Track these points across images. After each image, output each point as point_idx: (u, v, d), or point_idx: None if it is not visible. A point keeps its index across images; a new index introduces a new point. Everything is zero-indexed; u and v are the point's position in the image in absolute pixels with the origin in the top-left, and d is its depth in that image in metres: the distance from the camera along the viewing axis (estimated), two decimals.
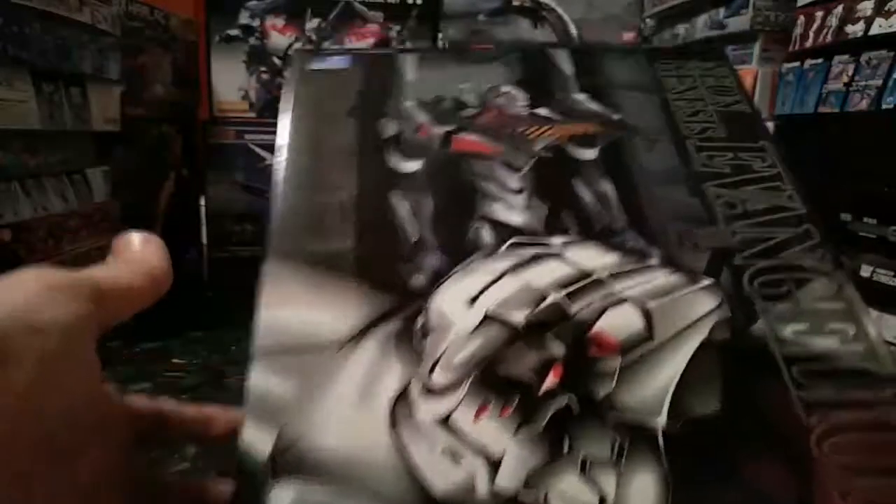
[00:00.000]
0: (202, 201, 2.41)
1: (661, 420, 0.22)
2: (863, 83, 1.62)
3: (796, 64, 1.89)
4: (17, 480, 0.16)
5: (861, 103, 1.61)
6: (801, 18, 1.88)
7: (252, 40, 2.37)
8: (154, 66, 2.29)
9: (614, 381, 0.23)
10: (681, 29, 2.63)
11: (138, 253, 0.23)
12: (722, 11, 2.29)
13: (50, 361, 0.17)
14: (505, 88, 0.34)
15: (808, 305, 0.26)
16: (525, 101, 0.34)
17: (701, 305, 0.25)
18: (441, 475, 0.21)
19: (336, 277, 0.26)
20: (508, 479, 0.21)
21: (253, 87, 2.40)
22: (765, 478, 0.22)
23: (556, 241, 0.27)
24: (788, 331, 0.25)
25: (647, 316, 0.25)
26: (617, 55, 0.38)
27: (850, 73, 1.67)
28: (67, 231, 1.81)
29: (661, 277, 0.26)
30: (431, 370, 0.23)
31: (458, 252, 0.27)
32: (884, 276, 1.50)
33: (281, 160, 0.30)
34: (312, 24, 2.35)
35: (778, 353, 0.24)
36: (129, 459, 0.21)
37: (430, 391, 0.23)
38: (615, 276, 0.26)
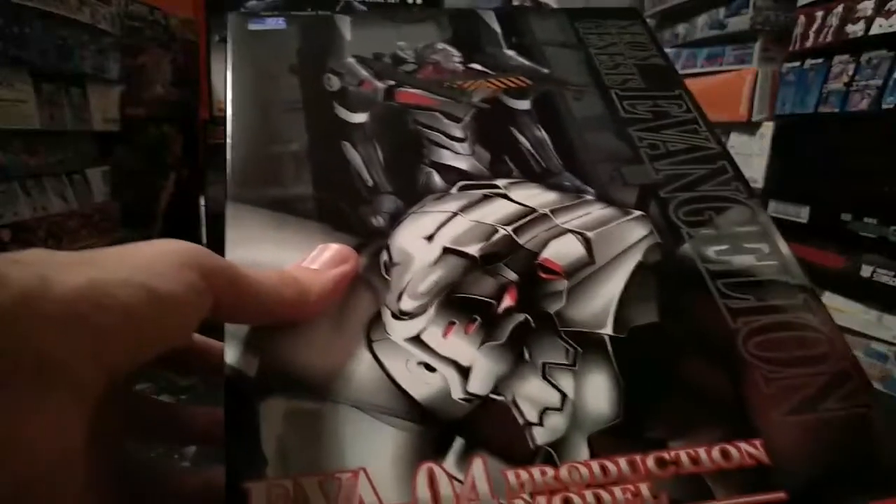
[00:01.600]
0: (202, 201, 2.41)
1: (608, 329, 0.25)
2: (863, 83, 1.62)
3: (797, 64, 1.89)
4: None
5: (861, 103, 1.61)
6: (802, 18, 1.88)
7: None
8: (154, 66, 2.29)
9: (564, 300, 0.26)
10: (681, 28, 2.63)
11: (314, 267, 0.24)
12: (722, 11, 2.29)
13: (145, 325, 0.18)
14: (440, 45, 0.36)
15: (727, 229, 0.29)
16: (459, 56, 0.36)
17: (634, 233, 0.29)
18: (418, 383, 0.23)
19: (298, 219, 0.27)
20: (479, 384, 0.23)
21: None
22: (701, 374, 0.25)
23: (502, 182, 0.30)
24: (711, 251, 0.28)
25: (587, 243, 0.28)
26: (539, 16, 0.41)
27: (851, 72, 1.67)
28: (67, 231, 1.81)
29: (597, 211, 0.29)
30: (399, 298, 0.25)
31: (412, 195, 0.29)
32: (884, 277, 1.50)
33: (229, 117, 0.31)
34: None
35: (703, 269, 0.28)
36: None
37: (400, 315, 0.25)
38: (556, 211, 0.29)
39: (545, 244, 0.28)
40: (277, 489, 0.20)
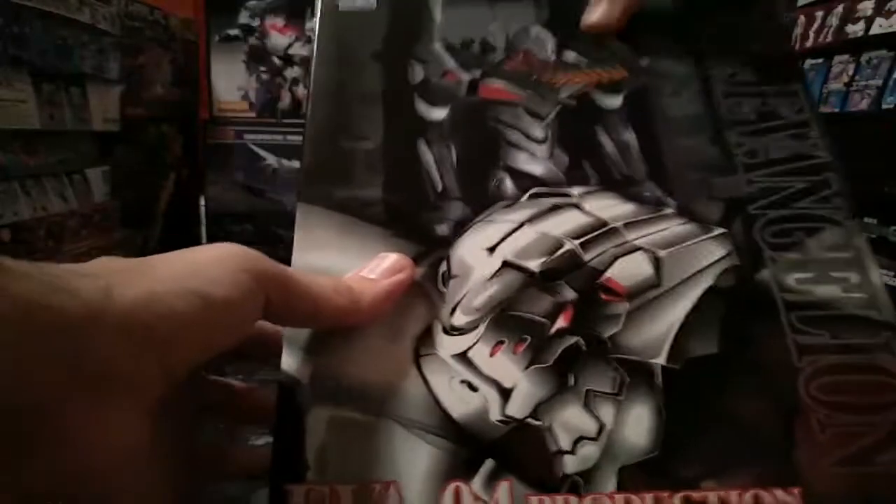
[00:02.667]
0: (202, 201, 2.41)
1: (661, 359, 0.24)
2: (863, 83, 1.62)
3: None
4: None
5: (861, 103, 1.61)
6: (802, 18, 1.88)
7: (252, 40, 2.36)
8: (154, 66, 2.29)
9: (621, 324, 0.25)
10: None
11: (371, 276, 0.25)
12: None
13: (194, 329, 0.19)
14: (533, 31, 0.33)
15: (815, 254, 0.27)
16: (553, 44, 0.33)
17: (710, 254, 0.27)
18: (459, 402, 0.23)
19: (364, 224, 0.27)
20: (518, 407, 0.23)
21: (253, 87, 2.39)
22: (751, 413, 0.23)
23: (576, 191, 0.28)
24: (793, 279, 0.26)
25: (657, 263, 0.26)
26: None
27: (851, 72, 1.67)
28: (67, 231, 1.80)
29: (675, 227, 0.27)
30: (452, 312, 0.25)
31: (481, 202, 0.28)
32: (885, 277, 1.50)
33: (308, 108, 0.31)
34: (313, 23, 2.35)
35: (779, 299, 0.26)
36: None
37: (450, 331, 0.25)
38: (630, 225, 0.27)
39: (611, 262, 0.26)
40: (315, 494, 0.21)
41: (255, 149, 2.37)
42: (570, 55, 0.33)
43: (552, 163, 0.29)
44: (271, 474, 0.22)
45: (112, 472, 0.17)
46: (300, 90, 2.36)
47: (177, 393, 0.19)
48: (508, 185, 0.29)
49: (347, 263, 0.26)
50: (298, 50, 2.36)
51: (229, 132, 2.39)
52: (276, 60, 2.38)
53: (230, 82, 2.39)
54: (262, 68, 2.38)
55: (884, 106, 1.55)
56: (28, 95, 1.64)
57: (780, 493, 0.22)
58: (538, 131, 0.30)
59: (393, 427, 0.23)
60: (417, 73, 0.32)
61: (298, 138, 2.35)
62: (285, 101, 2.40)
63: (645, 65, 0.32)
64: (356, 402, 0.23)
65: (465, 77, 0.32)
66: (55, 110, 1.75)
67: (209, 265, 0.20)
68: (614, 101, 0.31)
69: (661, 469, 0.22)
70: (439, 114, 0.31)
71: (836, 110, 1.70)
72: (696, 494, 0.22)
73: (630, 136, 0.30)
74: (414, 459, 0.22)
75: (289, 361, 0.24)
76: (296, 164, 2.36)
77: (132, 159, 2.16)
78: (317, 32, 0.34)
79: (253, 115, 2.40)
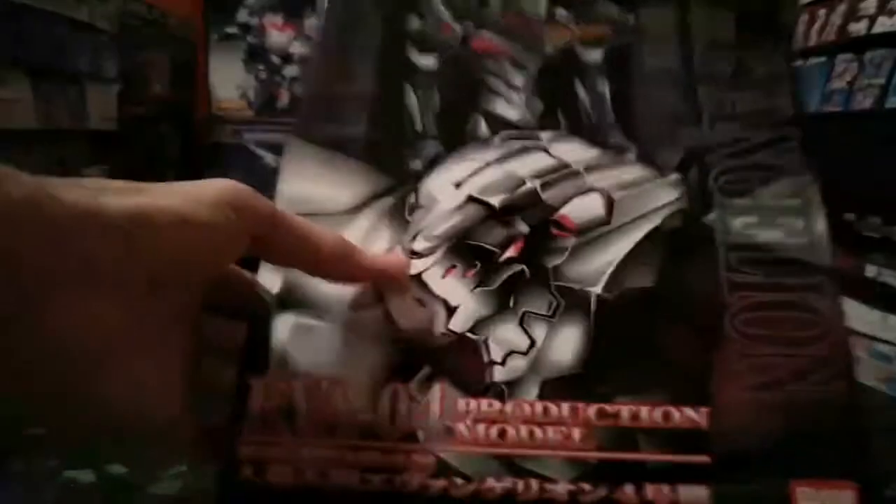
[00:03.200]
0: None
1: (598, 289, 0.26)
2: (866, 82, 1.61)
3: (799, 62, 1.88)
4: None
5: (865, 102, 1.60)
6: (805, 16, 1.88)
7: (250, 38, 2.36)
8: (152, 65, 2.28)
9: (565, 256, 0.27)
10: None
11: (374, 253, 0.27)
12: None
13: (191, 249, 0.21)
14: None
15: (764, 202, 0.28)
16: (545, 1, 0.35)
17: (660, 197, 0.28)
18: (408, 316, 0.26)
19: (346, 158, 0.30)
20: (459, 323, 0.26)
21: (251, 86, 2.39)
22: (674, 343, 0.25)
23: (546, 135, 0.30)
24: (738, 222, 0.27)
25: (610, 204, 0.28)
26: None
27: (854, 71, 1.66)
28: None
29: (633, 171, 0.29)
30: (414, 238, 0.27)
31: (455, 142, 0.30)
32: (889, 277, 1.49)
33: (314, 51, 0.33)
34: (311, 21, 2.34)
35: (721, 240, 0.27)
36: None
37: (411, 253, 0.27)
38: (590, 168, 0.29)
39: (567, 201, 0.28)
40: (272, 388, 0.24)
41: (254, 148, 2.36)
42: (561, 13, 0.34)
43: (527, 109, 0.31)
44: (239, 368, 0.25)
45: (95, 353, 0.19)
46: (299, 88, 2.35)
47: (167, 298, 0.21)
48: (483, 127, 0.30)
49: (327, 192, 0.29)
50: (297, 48, 2.35)
51: (228, 131, 2.39)
52: (275, 59, 2.37)
53: (229, 81, 2.38)
54: (261, 67, 2.38)
55: (887, 105, 1.55)
56: (25, 94, 1.63)
57: (688, 410, 0.23)
58: (519, 80, 0.32)
59: (346, 335, 0.26)
60: (414, 24, 0.33)
61: None
62: (284, 99, 2.39)
63: (631, 23, 0.34)
64: (316, 311, 0.26)
65: (459, 29, 0.33)
66: (52, 109, 1.74)
67: (197, 194, 0.21)
68: (595, 56, 0.33)
69: (580, 385, 0.24)
70: (429, 62, 0.32)
71: (840, 109, 1.69)
72: (609, 407, 0.24)
73: (604, 88, 0.31)
74: (360, 363, 0.25)
75: (263, 274, 0.26)
76: None
77: (130, 159, 2.16)
78: None
79: (251, 113, 2.39)
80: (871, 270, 1.53)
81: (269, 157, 2.36)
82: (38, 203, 0.18)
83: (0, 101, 1.55)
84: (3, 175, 0.17)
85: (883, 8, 1.61)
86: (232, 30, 2.36)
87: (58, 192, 0.18)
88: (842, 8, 1.73)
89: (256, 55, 2.37)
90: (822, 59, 1.79)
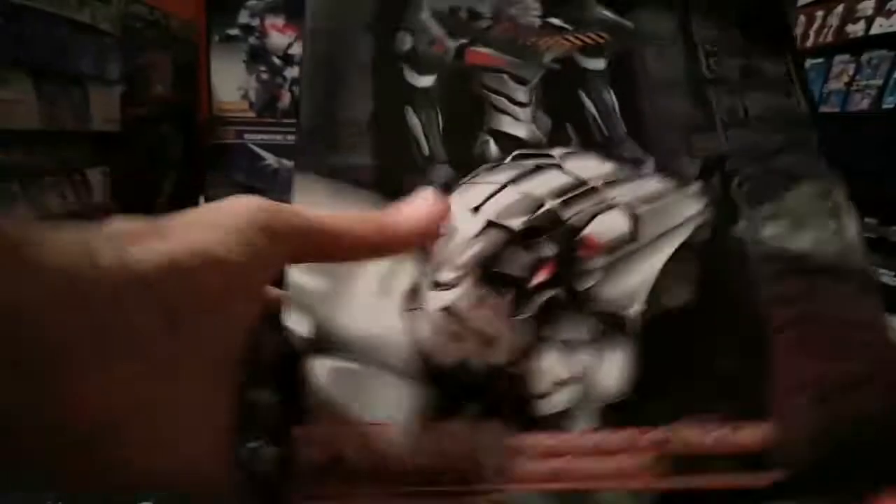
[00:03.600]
0: (202, 201, 2.41)
1: (636, 310, 0.25)
2: (864, 83, 1.62)
3: None
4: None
5: (862, 103, 1.61)
6: (802, 18, 1.88)
7: (252, 39, 2.37)
8: (154, 66, 2.29)
9: (599, 277, 0.26)
10: None
11: (403, 209, 0.25)
12: None
13: (220, 296, 0.19)
14: None
15: (791, 207, 0.27)
16: (538, 10, 0.33)
17: (686, 209, 0.27)
18: (443, 351, 0.25)
19: (356, 188, 0.29)
20: (500, 355, 0.25)
21: (253, 87, 2.40)
22: (721, 361, 0.25)
23: (557, 152, 0.29)
24: (767, 231, 0.27)
25: (634, 219, 0.27)
26: None
27: (851, 72, 1.67)
28: None
29: (652, 184, 0.28)
30: (438, 269, 0.27)
31: (466, 165, 0.29)
32: (885, 277, 1.50)
33: (302, 81, 0.32)
34: None
35: (752, 251, 0.26)
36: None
37: (436, 286, 0.26)
38: (609, 183, 0.28)
39: (590, 219, 0.27)
40: (318, 437, 0.23)
41: (255, 149, 2.37)
42: (556, 20, 0.33)
43: (535, 125, 0.30)
44: (280, 418, 0.24)
45: (143, 428, 0.18)
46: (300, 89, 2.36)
47: (192, 350, 0.20)
48: (492, 147, 0.30)
49: None
50: (298, 49, 2.36)
51: (229, 132, 2.40)
52: (276, 60, 2.38)
53: (230, 82, 2.39)
54: (262, 68, 2.39)
55: (884, 106, 1.55)
56: (28, 95, 1.64)
57: (748, 429, 0.23)
58: (522, 95, 0.31)
59: (384, 375, 0.25)
60: (406, 43, 0.32)
61: None
62: (285, 100, 2.40)
63: (630, 28, 0.33)
64: (350, 354, 0.25)
65: (452, 45, 0.32)
66: (55, 110, 1.75)
67: (223, 224, 0.20)
68: (598, 64, 0.32)
69: (633, 409, 0.24)
70: (427, 81, 0.31)
71: (837, 110, 1.70)
72: (666, 433, 0.23)
73: (611, 98, 0.31)
74: (402, 403, 0.24)
75: (292, 318, 0.26)
76: None
77: (132, 159, 2.16)
78: (308, 5, 0.33)
79: (253, 115, 2.40)
80: None
81: (270, 158, 2.37)
82: (74, 276, 0.16)
83: (3, 102, 1.56)
84: (32, 240, 0.16)
85: (880, 9, 1.61)
86: (233, 31, 2.37)
87: (93, 253, 0.17)
88: (839, 9, 1.73)
89: (258, 56, 2.38)
90: (820, 60, 1.80)
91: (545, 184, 0.28)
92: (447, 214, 0.26)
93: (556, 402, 0.24)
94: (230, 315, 0.20)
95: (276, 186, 2.23)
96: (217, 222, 0.20)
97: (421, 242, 0.26)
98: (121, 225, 0.19)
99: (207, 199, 2.37)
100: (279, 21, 2.37)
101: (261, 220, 0.20)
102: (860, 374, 0.24)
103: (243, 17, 2.37)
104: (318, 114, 0.30)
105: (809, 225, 0.27)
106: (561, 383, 0.25)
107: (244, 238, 0.20)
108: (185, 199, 2.43)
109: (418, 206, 0.26)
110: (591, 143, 0.30)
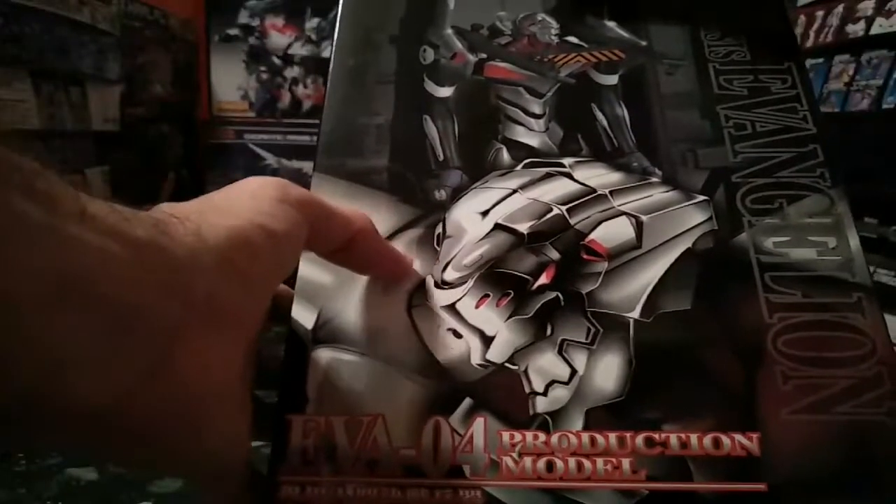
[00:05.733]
0: None
1: (635, 314, 0.26)
2: (863, 83, 1.62)
3: None
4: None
5: (862, 103, 1.61)
6: (802, 18, 1.88)
7: (251, 39, 2.36)
8: (154, 66, 2.29)
9: (599, 281, 0.27)
10: None
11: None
12: None
13: (277, 264, 0.20)
14: (539, 16, 0.36)
15: (795, 220, 0.28)
16: (557, 28, 0.35)
17: (691, 218, 0.28)
18: (444, 347, 0.26)
19: (371, 190, 0.30)
20: (498, 353, 0.25)
21: (252, 87, 2.39)
22: (717, 366, 0.25)
23: (567, 161, 0.30)
24: (770, 242, 0.27)
25: (639, 227, 0.28)
26: None
27: (851, 72, 1.67)
28: None
29: (659, 194, 0.29)
30: (444, 268, 0.27)
31: (478, 171, 0.30)
32: (885, 276, 1.50)
33: (328, 87, 0.33)
34: (312, 23, 2.35)
35: (755, 260, 0.27)
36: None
37: (441, 284, 0.27)
38: (616, 192, 0.29)
39: (596, 225, 0.28)
40: (312, 424, 0.24)
41: (255, 149, 2.36)
42: (572, 38, 0.35)
43: (547, 135, 0.31)
44: (277, 406, 0.24)
45: (209, 400, 0.18)
46: (300, 90, 2.35)
47: (259, 317, 0.21)
48: (505, 155, 0.31)
49: None
50: (298, 50, 2.36)
51: (229, 132, 2.39)
52: (276, 60, 2.38)
53: (230, 82, 2.38)
54: (262, 68, 2.38)
55: (884, 106, 1.55)
56: (28, 95, 1.64)
57: (738, 436, 0.23)
58: (536, 107, 0.32)
59: (384, 368, 0.25)
60: (429, 56, 0.34)
61: (298, 138, 2.35)
62: (285, 100, 2.40)
63: (643, 46, 0.34)
64: (353, 346, 0.26)
65: (472, 59, 0.34)
66: (55, 110, 1.75)
67: (257, 200, 0.21)
68: (611, 79, 0.33)
69: (625, 412, 0.24)
70: (445, 92, 0.33)
71: (837, 110, 1.70)
72: (657, 436, 0.23)
73: (622, 111, 0.32)
74: (401, 396, 0.25)
75: (298, 311, 0.26)
76: (296, 163, 2.36)
77: (132, 159, 2.16)
78: (339, 17, 0.35)
79: (252, 115, 2.39)
80: None
81: (270, 158, 2.37)
82: (156, 248, 0.16)
83: (2, 102, 1.56)
84: (101, 212, 0.16)
85: (880, 9, 1.61)
86: (233, 31, 2.37)
87: (166, 229, 0.17)
88: (839, 9, 1.73)
89: (257, 56, 2.37)
90: (820, 60, 1.80)
91: (554, 190, 0.29)
92: (411, 274, 0.27)
93: (550, 400, 0.25)
94: (277, 281, 0.21)
95: None
96: (256, 196, 0.21)
97: (390, 273, 0.27)
98: (170, 208, 0.19)
99: None
100: (279, 21, 2.36)
101: (283, 191, 0.21)
102: (859, 383, 0.24)
103: (243, 17, 2.36)
104: (341, 119, 0.32)
105: (811, 238, 0.27)
106: (556, 382, 0.25)
107: (282, 209, 0.21)
108: (184, 198, 2.42)
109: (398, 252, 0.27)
110: (601, 152, 0.30)
